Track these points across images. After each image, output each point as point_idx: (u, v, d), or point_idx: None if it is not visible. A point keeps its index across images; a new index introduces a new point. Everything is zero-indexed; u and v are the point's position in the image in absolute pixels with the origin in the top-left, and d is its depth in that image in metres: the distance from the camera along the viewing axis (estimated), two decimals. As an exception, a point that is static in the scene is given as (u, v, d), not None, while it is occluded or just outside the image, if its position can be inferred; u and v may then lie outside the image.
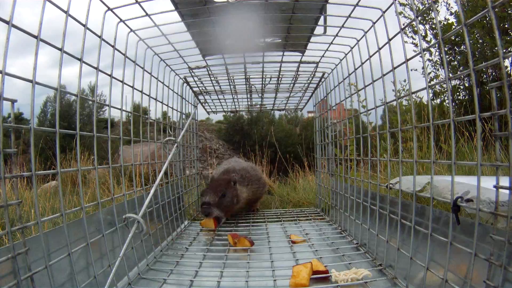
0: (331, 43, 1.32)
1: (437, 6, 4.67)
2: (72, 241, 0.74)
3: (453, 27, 4.43)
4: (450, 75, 3.97)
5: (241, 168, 1.84)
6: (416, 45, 4.96)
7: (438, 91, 4.52)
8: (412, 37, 5.02)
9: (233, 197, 1.60)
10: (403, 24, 0.87)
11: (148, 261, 1.07)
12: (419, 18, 4.31)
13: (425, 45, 4.76)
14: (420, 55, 0.82)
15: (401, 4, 4.66)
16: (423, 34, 4.87)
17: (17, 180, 0.67)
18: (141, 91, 1.15)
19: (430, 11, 4.18)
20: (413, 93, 0.88)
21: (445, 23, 4.67)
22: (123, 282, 0.90)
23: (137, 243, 1.01)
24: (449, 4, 4.89)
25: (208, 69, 1.60)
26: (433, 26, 4.83)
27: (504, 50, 0.57)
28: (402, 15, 4.68)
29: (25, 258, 0.61)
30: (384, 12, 0.96)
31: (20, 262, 0.59)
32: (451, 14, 4.87)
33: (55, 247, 0.71)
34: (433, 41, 4.85)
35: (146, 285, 0.93)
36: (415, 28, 4.66)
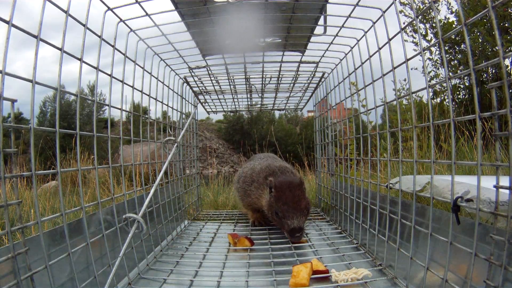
0: (331, 43, 1.32)
1: (438, 5, 4.67)
2: (72, 241, 0.74)
3: (454, 26, 4.42)
4: (451, 74, 3.97)
5: (292, 171, 1.49)
6: (416, 43, 4.96)
7: (438, 90, 4.52)
8: (412, 35, 5.02)
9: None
10: (404, 23, 0.87)
11: (148, 261, 1.07)
12: (420, 17, 4.30)
13: (425, 44, 4.76)
14: (420, 54, 0.82)
15: (401, 3, 4.66)
16: (424, 33, 4.87)
17: (17, 180, 0.67)
18: (141, 91, 1.15)
19: (431, 10, 4.18)
20: (413, 93, 0.88)
21: (446, 21, 4.66)
22: (123, 282, 0.90)
23: (137, 243, 1.01)
24: (450, 3, 4.89)
25: (208, 69, 1.59)
26: (434, 25, 4.82)
27: (505, 50, 0.57)
28: (402, 13, 4.67)
29: (25, 258, 0.61)
30: (384, 12, 0.96)
31: (20, 262, 0.59)
32: (452, 13, 4.87)
33: (55, 247, 0.71)
34: (433, 40, 4.85)
35: (146, 285, 0.93)
36: (415, 28, 4.66)
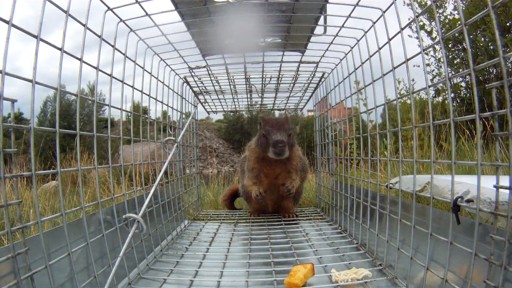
0: (331, 43, 1.32)
1: (444, 3, 4.65)
2: (72, 241, 0.74)
3: (458, 23, 4.40)
4: (453, 72, 3.94)
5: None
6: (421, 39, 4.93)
7: (440, 88, 4.50)
8: (417, 31, 4.99)
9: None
10: (409, 19, 0.86)
11: (148, 261, 1.07)
12: (426, 14, 4.26)
13: (429, 41, 4.74)
14: (421, 54, 0.82)
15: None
16: (428, 30, 4.82)
17: (17, 180, 0.67)
18: (141, 91, 1.15)
19: (436, 9, 4.17)
20: (413, 92, 0.87)
21: (452, 18, 4.64)
22: (123, 282, 0.90)
23: (137, 243, 1.01)
24: (456, 1, 4.86)
25: (208, 69, 1.59)
26: (440, 21, 4.78)
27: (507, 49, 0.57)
28: (409, 6, 4.65)
29: (25, 258, 0.61)
30: (384, 12, 0.96)
31: (20, 262, 0.59)
32: (455, 9, 4.83)
33: (55, 247, 0.71)
34: (437, 37, 4.82)
35: (146, 285, 0.93)
36: (416, 29, 4.64)
